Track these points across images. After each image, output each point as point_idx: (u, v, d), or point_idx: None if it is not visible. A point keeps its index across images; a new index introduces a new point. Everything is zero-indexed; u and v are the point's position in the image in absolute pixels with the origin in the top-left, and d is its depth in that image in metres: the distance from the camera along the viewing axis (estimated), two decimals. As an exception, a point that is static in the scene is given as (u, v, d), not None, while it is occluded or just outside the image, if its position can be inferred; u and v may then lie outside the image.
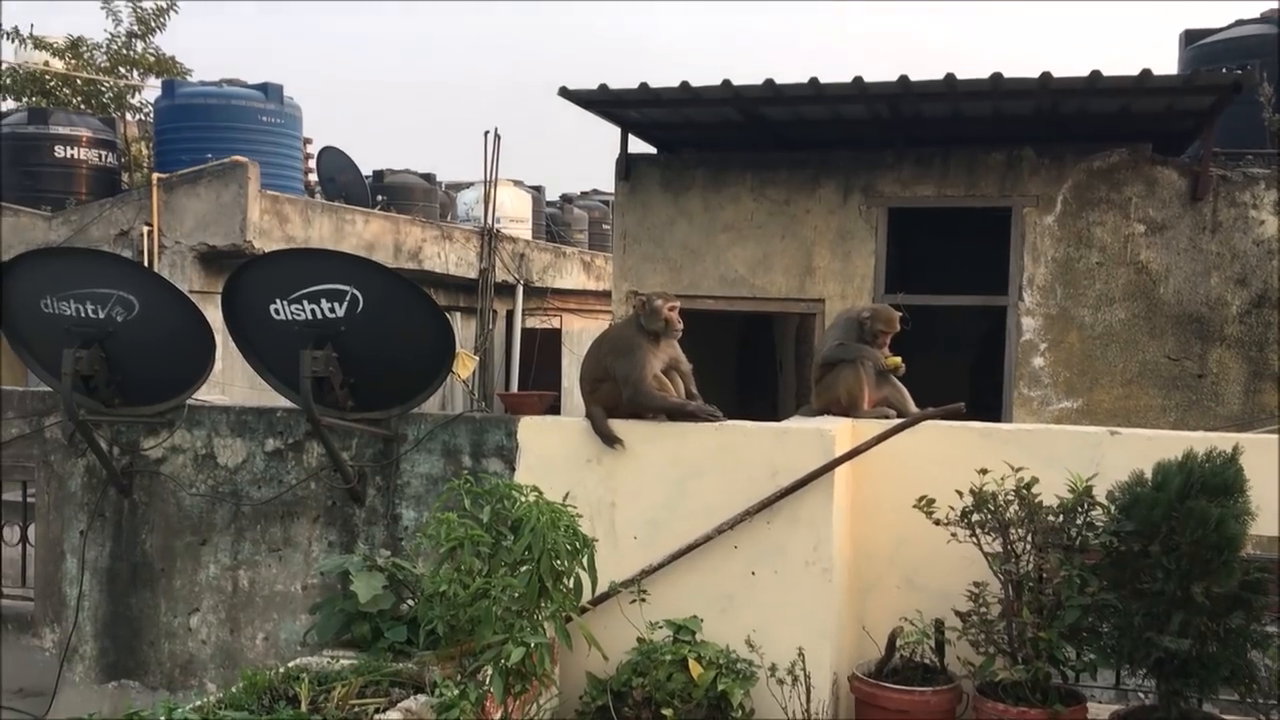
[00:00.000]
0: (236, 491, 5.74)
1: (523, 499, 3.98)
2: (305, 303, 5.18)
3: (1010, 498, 4.73)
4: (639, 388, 5.09)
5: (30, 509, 6.66)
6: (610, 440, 5.15)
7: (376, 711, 3.59)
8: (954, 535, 4.79)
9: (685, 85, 8.30)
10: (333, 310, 5.16)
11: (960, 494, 4.78)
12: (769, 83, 8.12)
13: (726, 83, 8.19)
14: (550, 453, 5.32)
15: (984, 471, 4.76)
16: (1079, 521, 4.70)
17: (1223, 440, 4.79)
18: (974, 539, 4.78)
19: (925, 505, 4.84)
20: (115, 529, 5.92)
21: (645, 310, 5.21)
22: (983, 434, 5.28)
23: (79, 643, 5.94)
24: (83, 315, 5.50)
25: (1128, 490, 4.61)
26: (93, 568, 5.95)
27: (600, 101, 8.75)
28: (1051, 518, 4.70)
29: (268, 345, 5.51)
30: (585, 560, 3.86)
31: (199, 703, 3.60)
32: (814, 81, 8.07)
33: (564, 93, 8.56)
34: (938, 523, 4.82)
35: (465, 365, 13.24)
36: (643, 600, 4.78)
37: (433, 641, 3.89)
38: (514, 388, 16.00)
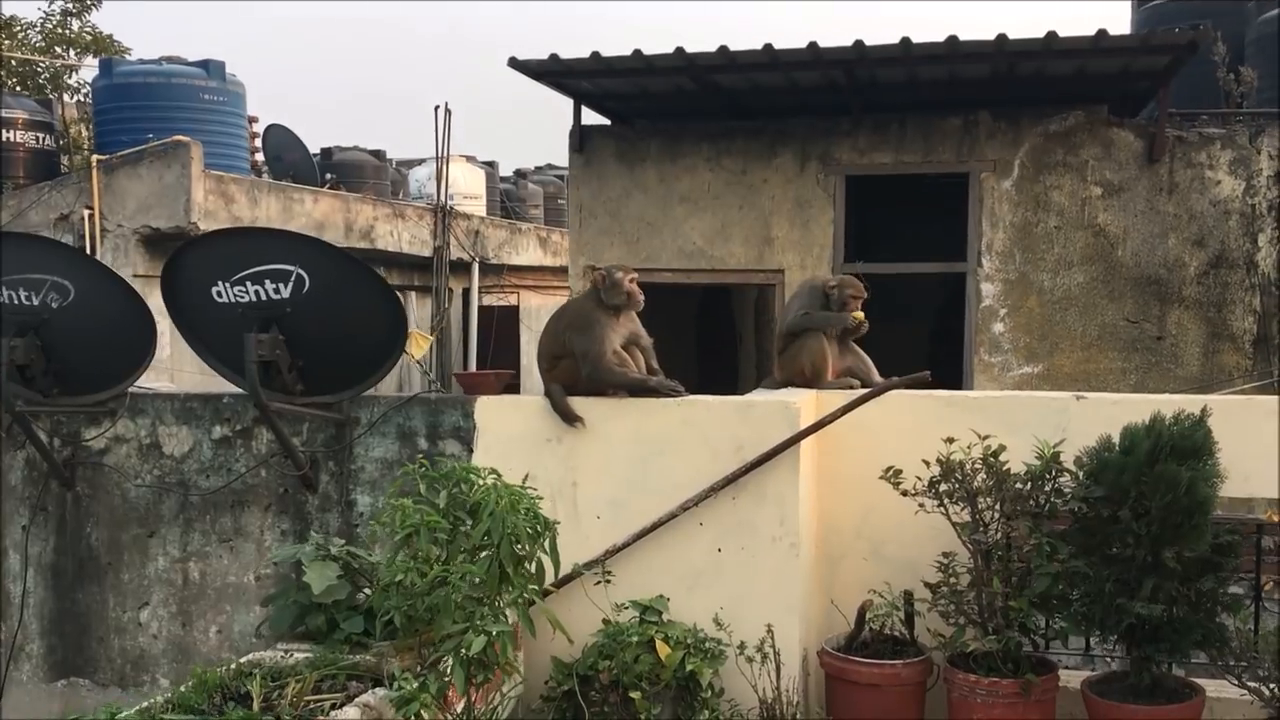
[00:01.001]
0: (184, 481, 5.55)
1: (481, 482, 3.82)
2: (248, 284, 4.99)
3: (977, 466, 4.65)
4: (599, 363, 4.96)
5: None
6: (570, 418, 5.02)
7: (333, 708, 3.45)
8: (921, 506, 4.71)
9: (638, 54, 8.14)
10: (277, 291, 4.98)
11: (927, 464, 4.70)
12: (722, 49, 7.98)
13: (680, 50, 8.04)
14: (509, 433, 5.18)
15: (950, 440, 4.68)
16: (1047, 488, 4.63)
17: (1190, 403, 4.74)
18: (942, 509, 4.70)
19: (892, 476, 4.76)
20: (59, 523, 5.71)
21: (605, 284, 5.07)
22: (948, 402, 5.19)
23: (25, 641, 5.74)
24: (15, 302, 5.28)
25: (1096, 455, 4.55)
26: (36, 563, 5.75)
27: (551, 72, 8.57)
28: (1019, 485, 4.63)
29: (211, 329, 5.31)
30: (547, 544, 3.72)
31: (145, 704, 3.44)
32: (768, 48, 7.94)
33: (513, 63, 8.36)
34: (905, 493, 4.74)
35: (419, 345, 13.03)
36: (608, 581, 4.67)
37: (390, 632, 3.75)
38: (472, 366, 15.80)
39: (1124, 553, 4.38)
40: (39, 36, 15.71)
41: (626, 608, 4.75)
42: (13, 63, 15.16)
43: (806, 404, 5.05)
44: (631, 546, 4.91)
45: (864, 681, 4.73)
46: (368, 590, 4.33)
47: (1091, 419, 4.92)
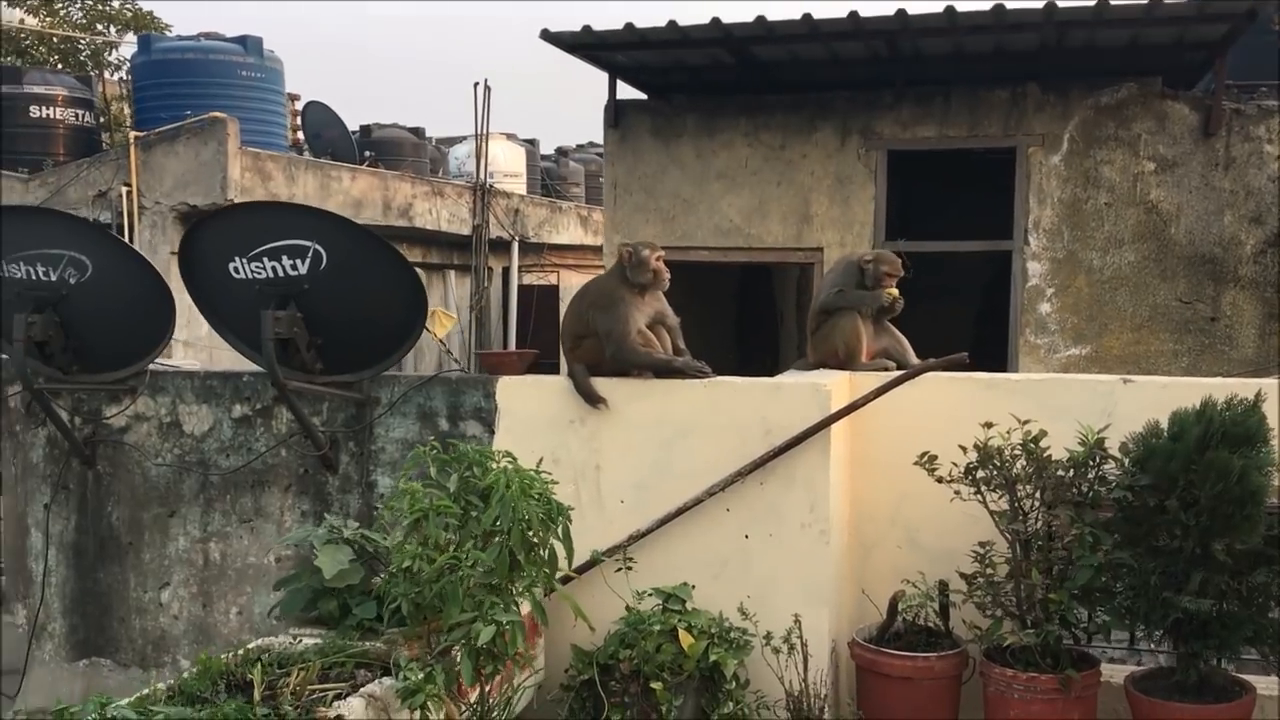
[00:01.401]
0: (204, 460, 5.47)
1: (494, 465, 3.68)
2: (265, 260, 4.88)
3: (1017, 452, 4.45)
4: (623, 343, 4.81)
5: (-1, 481, 6.41)
6: (593, 400, 4.87)
7: (336, 698, 3.33)
8: (957, 493, 4.51)
9: (672, 25, 7.93)
10: (294, 268, 4.86)
11: (964, 449, 4.50)
12: (760, 20, 7.76)
13: (716, 21, 7.82)
14: (531, 414, 5.05)
15: (989, 425, 4.48)
16: (1090, 476, 4.43)
17: (1243, 386, 4.51)
18: (979, 497, 4.51)
19: (927, 462, 4.57)
20: (80, 501, 5.66)
21: (631, 261, 4.91)
22: (987, 385, 4.99)
23: (47, 620, 5.70)
24: (33, 278, 5.20)
25: (1142, 442, 4.34)
26: (58, 542, 5.70)
27: (584, 45, 8.38)
28: (1061, 472, 4.42)
29: (229, 306, 5.21)
30: (560, 530, 3.57)
31: (145, 691, 3.35)
32: (807, 18, 7.70)
33: (546, 35, 8.19)
34: (940, 480, 4.55)
35: (441, 324, 12.93)
36: (629, 569, 4.52)
37: (400, 619, 3.63)
38: (511, 345, 15.71)
39: (1171, 544, 4.17)
40: (80, 13, 15.76)
41: (649, 595, 4.60)
42: (54, 39, 15.22)
43: (839, 386, 4.87)
44: (656, 532, 4.76)
45: (896, 674, 4.57)
46: (383, 574, 4.21)
47: (1139, 403, 4.71)
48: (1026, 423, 4.44)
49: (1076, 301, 8.48)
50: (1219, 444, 4.10)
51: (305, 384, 5.08)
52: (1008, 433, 4.48)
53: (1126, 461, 4.35)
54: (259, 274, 4.94)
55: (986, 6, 7.51)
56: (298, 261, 4.88)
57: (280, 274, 4.92)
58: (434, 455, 3.70)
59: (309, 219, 5.05)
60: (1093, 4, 7.32)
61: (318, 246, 4.84)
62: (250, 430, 5.42)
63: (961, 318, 11.62)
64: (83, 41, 15.57)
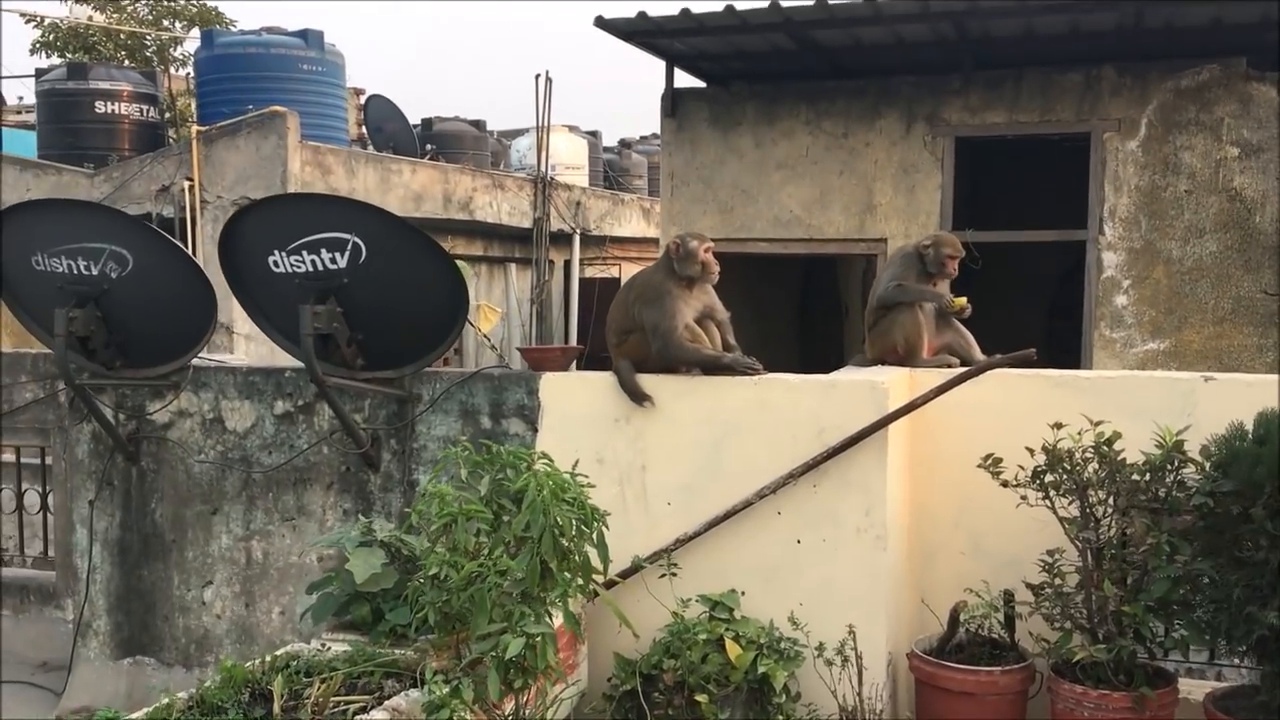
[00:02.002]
0: (246, 457, 5.38)
1: (527, 466, 3.51)
2: (304, 253, 4.75)
3: (1088, 455, 4.17)
4: (669, 339, 4.60)
5: (50, 474, 6.40)
6: (639, 397, 4.68)
7: (360, 711, 3.19)
8: (1024, 498, 4.25)
9: (730, 10, 7.70)
10: (334, 261, 4.73)
11: (1031, 452, 4.23)
12: (821, 3, 7.49)
13: (775, 5, 7.57)
14: (575, 412, 4.87)
15: (1058, 426, 4.20)
16: (1168, 481, 4.13)
17: (1337, 385, 4.19)
18: (1047, 502, 4.23)
19: (991, 465, 4.30)
20: (124, 498, 5.60)
21: (679, 253, 4.70)
22: (1056, 383, 4.70)
23: (92, 617, 5.66)
24: (75, 272, 5.14)
25: (1225, 444, 4.03)
26: (103, 539, 5.65)
27: (640, 31, 8.18)
28: (1136, 477, 4.13)
29: (270, 300, 5.11)
30: (596, 536, 3.39)
31: (165, 701, 3.23)
32: (871, 0, 7.41)
33: (600, 22, 8.01)
34: (1005, 484, 4.28)
35: (487, 319, 12.82)
36: (673, 574, 4.33)
37: (429, 628, 3.47)
38: (573, 339, 15.60)
39: (1256, 555, 3.87)
40: (146, 9, 15.92)
41: (695, 602, 4.41)
42: (120, 35, 15.39)
43: (897, 383, 4.62)
44: (703, 536, 4.56)
45: (958, 689, 4.31)
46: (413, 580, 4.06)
47: (1221, 403, 4.39)
48: (1099, 423, 4.15)
49: (1155, 293, 8.10)
50: (1311, 448, 3.79)
51: (345, 380, 4.96)
52: (1079, 434, 4.20)
53: (1208, 465, 4.05)
54: (298, 267, 4.83)
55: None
56: (337, 255, 4.75)
57: (319, 267, 4.79)
58: (465, 456, 3.53)
59: (348, 211, 4.92)
60: (1174, -20, 6.95)
61: (356, 239, 4.71)
62: (292, 427, 5.31)
63: (1033, 311, 11.25)
64: (149, 37, 15.74)
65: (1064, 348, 8.45)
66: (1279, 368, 7.85)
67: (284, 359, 5.47)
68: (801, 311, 13.26)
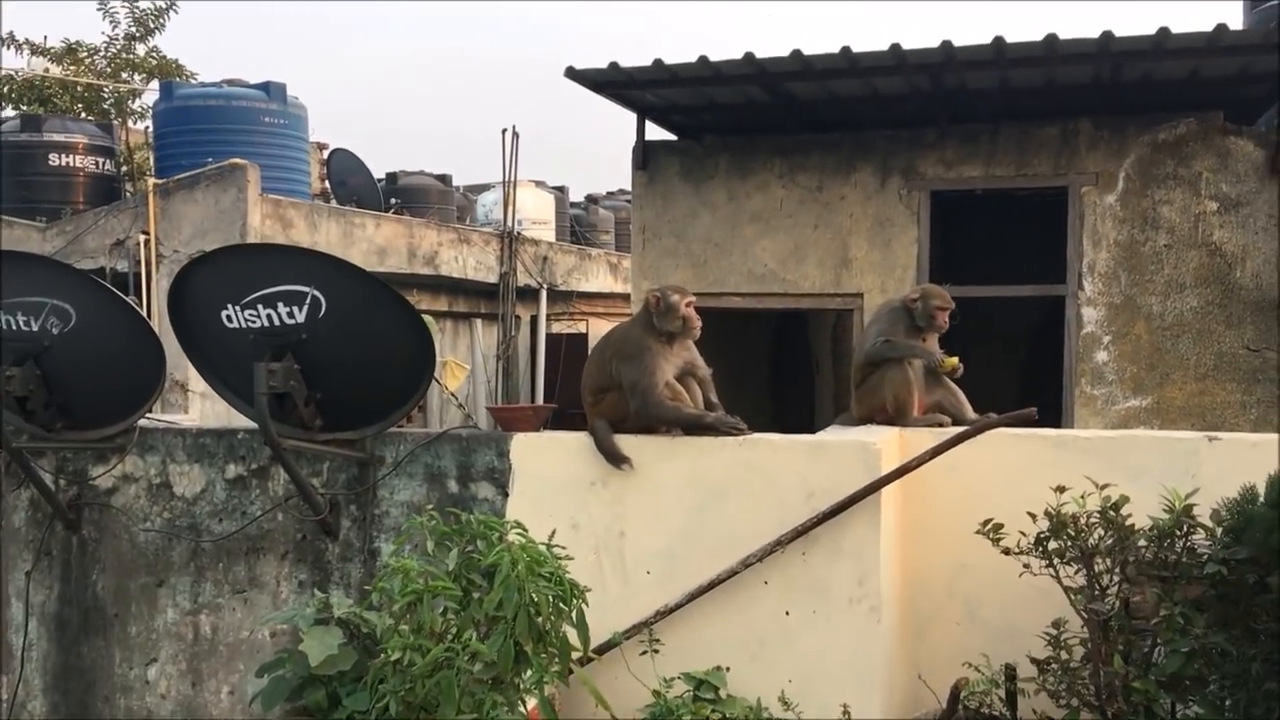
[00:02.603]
0: (195, 525, 5.04)
1: (499, 537, 3.22)
2: (260, 307, 4.48)
3: (1094, 520, 3.94)
4: (649, 397, 4.35)
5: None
6: (617, 459, 4.41)
7: (311, 814, 2.86)
8: (1027, 567, 4.00)
9: (704, 61, 7.55)
10: (291, 315, 4.45)
11: (1034, 517, 4.00)
12: (796, 54, 7.36)
13: (749, 56, 7.43)
14: (548, 474, 4.60)
15: (1061, 489, 3.97)
16: (1178, 548, 3.90)
17: (1350, 445, 4.00)
18: (1051, 570, 3.99)
19: (991, 531, 4.06)
20: (63, 569, 5.24)
21: (660, 308, 4.47)
22: (1055, 443, 4.49)
23: (27, 698, 5.26)
24: (14, 328, 4.83)
25: (1237, 509, 3.82)
26: (40, 613, 5.28)
27: (612, 82, 8.01)
28: (1143, 543, 3.90)
29: (223, 357, 4.81)
30: (575, 615, 3.10)
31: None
32: (846, 51, 7.29)
33: (571, 73, 7.83)
34: (1007, 552, 4.04)
35: (454, 376, 12.52)
36: (655, 652, 4.03)
37: (393, 716, 3.15)
38: (539, 395, 15.32)
39: (1275, 627, 3.63)
40: (104, 62, 15.64)
41: (678, 680, 4.11)
42: (78, 88, 15.09)
43: (888, 444, 4.38)
44: (685, 607, 4.28)
45: (958, 772, 4.04)
46: (374, 663, 3.74)
47: (1226, 464, 4.21)
48: (1105, 486, 3.93)
49: (1136, 349, 7.95)
50: (1331, 513, 3.57)
51: (303, 442, 4.66)
52: (1083, 498, 3.97)
53: (1219, 531, 3.83)
54: (253, 322, 4.54)
55: (1035, 38, 7.08)
56: (295, 309, 4.47)
57: (276, 322, 4.51)
58: (432, 526, 3.24)
59: (307, 263, 4.65)
60: (1152, 33, 6.87)
61: (316, 293, 4.44)
62: (245, 492, 4.99)
63: (1009, 366, 11.10)
64: (106, 90, 15.45)
65: (1041, 404, 8.26)
66: (1262, 424, 7.71)
67: (240, 419, 5.16)
68: (773, 367, 13.06)
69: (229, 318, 4.59)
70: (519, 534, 3.31)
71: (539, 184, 17.48)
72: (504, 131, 14.07)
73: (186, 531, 5.04)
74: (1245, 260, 7.77)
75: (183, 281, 4.76)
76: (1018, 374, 11.31)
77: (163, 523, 5.09)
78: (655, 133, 9.06)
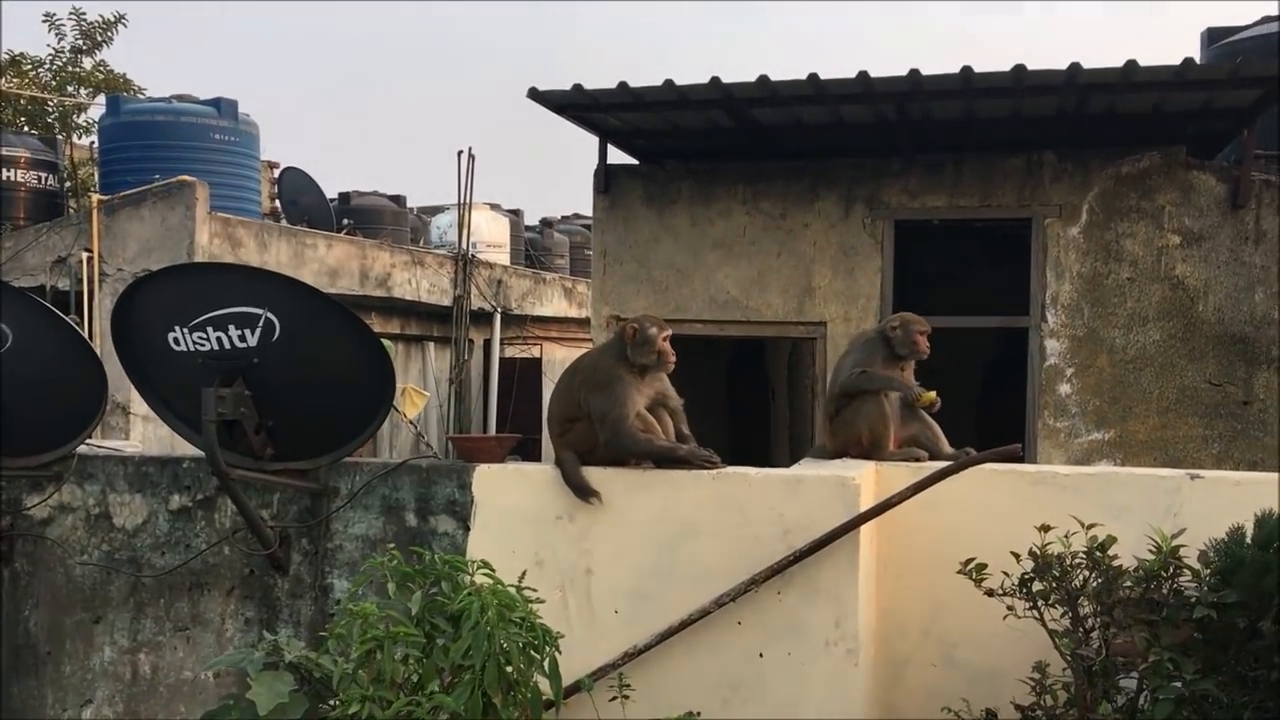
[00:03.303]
0: (136, 559, 4.77)
1: (467, 579, 3.02)
2: (209, 330, 4.25)
3: (1079, 561, 3.81)
4: (619, 428, 4.18)
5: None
6: (585, 493, 4.23)
7: None
8: (1011, 609, 3.87)
9: (669, 84, 7.43)
10: (243, 339, 4.23)
11: (1017, 557, 3.87)
12: (762, 80, 7.25)
13: (715, 81, 7.32)
14: (512, 508, 4.40)
15: (1045, 528, 3.85)
16: (1165, 590, 3.78)
17: (1337, 485, 3.91)
18: (1034, 613, 3.86)
19: (974, 571, 3.93)
20: (-7, 604, 4.94)
21: (635, 339, 4.30)
22: (1035, 480, 4.38)
23: (-49, 742, 4.95)
24: (-57, 350, 4.57)
25: (1225, 550, 3.72)
26: (-33, 652, 4.97)
27: (575, 105, 7.86)
28: (1129, 585, 3.78)
29: (169, 381, 4.57)
30: (548, 664, 2.90)
31: None
32: (813, 78, 7.21)
33: (534, 94, 7.67)
34: (990, 593, 3.90)
35: (413, 403, 12.27)
36: (625, 698, 3.84)
37: (349, 770, 2.93)
38: (492, 421, 15.09)
39: (1268, 675, 3.53)
40: (49, 75, 15.23)
41: (649, 727, 3.92)
42: (21, 101, 14.67)
43: (866, 479, 4.24)
44: (655, 649, 4.10)
45: (938, 822, 3.88)
46: (335, 703, 3.51)
47: (1210, 503, 4.14)
48: (1091, 526, 3.81)
49: (1099, 382, 7.91)
50: (1324, 556, 3.48)
51: (252, 472, 4.42)
52: (1067, 537, 3.85)
53: (1206, 573, 3.72)
54: (202, 345, 4.31)
55: (1000, 69, 7.03)
56: (246, 331, 4.25)
57: (226, 346, 4.29)
58: (393, 567, 3.03)
59: (261, 283, 4.43)
60: (1119, 66, 6.85)
61: (269, 315, 4.22)
62: (189, 524, 4.73)
63: (965, 397, 11.06)
64: (51, 103, 15.04)
65: (999, 437, 8.19)
66: (1223, 459, 7.69)
67: (185, 446, 4.91)
68: (729, 395, 12.94)
69: (176, 340, 4.36)
70: (486, 575, 3.11)
71: (494, 207, 17.30)
72: (459, 154, 13.91)
73: (126, 565, 4.77)
74: (1207, 294, 7.77)
75: (127, 301, 4.51)
76: (974, 407, 11.28)
77: (101, 555, 4.81)
78: (617, 157, 8.93)
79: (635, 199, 8.67)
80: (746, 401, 13.09)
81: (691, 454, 4.22)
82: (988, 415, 9.84)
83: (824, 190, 8.34)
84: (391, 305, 13.37)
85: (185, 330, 4.31)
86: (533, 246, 18.62)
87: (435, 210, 17.39)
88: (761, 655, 4.09)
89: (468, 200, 14.30)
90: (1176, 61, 6.87)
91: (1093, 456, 7.86)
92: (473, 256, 14.44)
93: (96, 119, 14.17)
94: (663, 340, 4.28)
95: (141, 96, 14.52)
